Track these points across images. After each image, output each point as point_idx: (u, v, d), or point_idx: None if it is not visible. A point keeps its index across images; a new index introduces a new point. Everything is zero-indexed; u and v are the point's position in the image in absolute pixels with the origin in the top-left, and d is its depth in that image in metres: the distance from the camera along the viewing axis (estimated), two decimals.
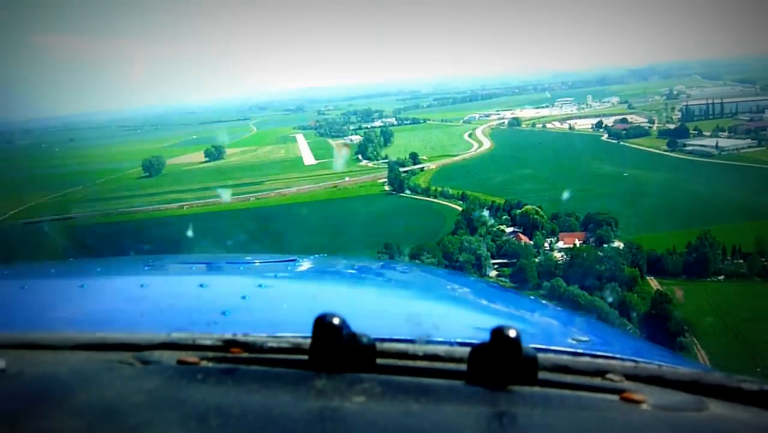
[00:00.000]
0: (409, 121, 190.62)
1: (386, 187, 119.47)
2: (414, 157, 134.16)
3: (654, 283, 68.73)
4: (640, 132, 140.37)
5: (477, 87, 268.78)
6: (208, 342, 1.63)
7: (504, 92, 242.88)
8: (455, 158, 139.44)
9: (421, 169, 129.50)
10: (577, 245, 79.16)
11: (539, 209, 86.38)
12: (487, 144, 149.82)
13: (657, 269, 70.12)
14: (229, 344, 1.61)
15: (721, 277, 68.77)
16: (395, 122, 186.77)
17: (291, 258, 4.22)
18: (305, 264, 4.32)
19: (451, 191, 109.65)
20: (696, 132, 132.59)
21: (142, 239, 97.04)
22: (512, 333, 1.34)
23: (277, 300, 3.03)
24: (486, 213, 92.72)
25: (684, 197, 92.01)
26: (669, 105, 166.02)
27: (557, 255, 76.71)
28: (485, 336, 1.38)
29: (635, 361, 1.74)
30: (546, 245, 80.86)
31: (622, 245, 76.42)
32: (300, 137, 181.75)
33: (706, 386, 1.46)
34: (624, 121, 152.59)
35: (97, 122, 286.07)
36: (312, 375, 1.39)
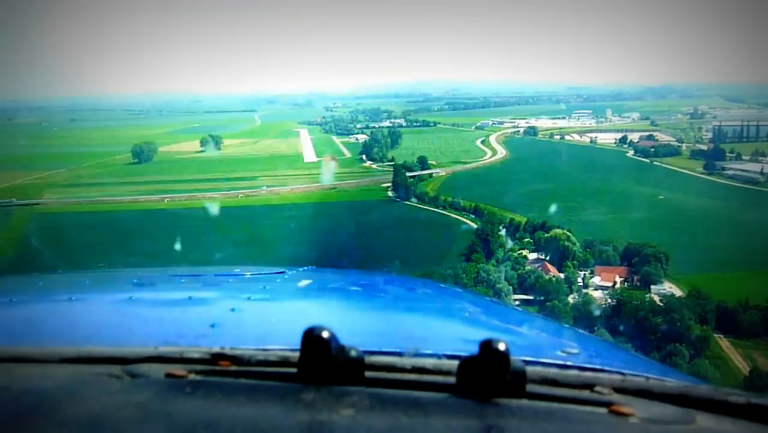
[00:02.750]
0: (418, 124, 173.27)
1: (390, 193, 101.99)
2: (422, 162, 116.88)
3: (725, 344, 50.97)
4: (669, 151, 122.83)
5: (490, 94, 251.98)
6: (196, 355, 1.58)
7: (517, 101, 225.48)
8: (467, 166, 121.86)
9: (430, 176, 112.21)
10: (618, 284, 61.48)
11: (570, 234, 68.45)
12: (501, 152, 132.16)
13: (727, 325, 52.15)
14: (218, 357, 1.56)
15: None
16: (404, 123, 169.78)
17: (280, 270, 4.04)
18: (294, 276, 4.05)
19: (462, 203, 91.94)
20: (733, 155, 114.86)
21: (106, 235, 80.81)
22: (501, 346, 1.32)
23: (265, 313, 2.96)
24: (503, 232, 75.06)
25: (742, 230, 73.94)
26: (695, 124, 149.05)
27: (595, 295, 58.93)
28: (474, 349, 1.35)
29: (623, 373, 1.69)
30: (579, 279, 63.13)
31: (677, 290, 58.69)
32: (304, 133, 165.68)
33: (694, 399, 1.43)
34: (651, 138, 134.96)
35: (105, 105, 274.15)
36: (300, 388, 1.36)
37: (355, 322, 2.79)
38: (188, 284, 3.81)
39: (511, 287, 59.04)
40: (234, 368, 1.51)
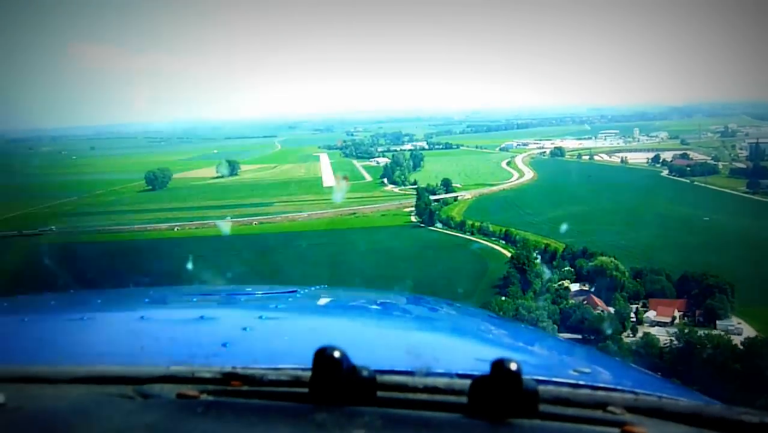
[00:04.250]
0: (441, 146, 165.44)
1: (413, 218, 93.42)
2: (447, 184, 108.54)
3: None
4: (706, 169, 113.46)
5: (511, 116, 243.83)
6: (208, 375, 1.55)
7: (540, 122, 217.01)
8: (494, 188, 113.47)
9: (455, 199, 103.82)
10: (677, 319, 52.42)
11: (618, 263, 59.41)
12: (529, 174, 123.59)
13: None
14: (229, 377, 1.53)
15: None
16: (426, 146, 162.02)
17: (292, 289, 3.92)
18: (306, 295, 3.96)
19: (491, 228, 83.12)
20: None
21: (105, 268, 72.94)
22: (513, 366, 1.30)
23: (277, 332, 2.92)
24: (539, 260, 66.27)
25: None
26: (727, 143, 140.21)
27: (653, 332, 49.82)
28: (486, 368, 1.33)
29: (636, 393, 1.65)
30: (632, 315, 54.05)
31: (748, 327, 49.49)
32: (324, 157, 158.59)
33: (707, 419, 1.39)
34: (685, 156, 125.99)
35: (127, 133, 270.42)
36: (312, 408, 1.33)
37: (366, 341, 2.70)
38: (200, 303, 3.67)
39: (555, 326, 50.02)
40: (246, 387, 1.49)
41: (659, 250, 69.06)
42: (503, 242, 78.77)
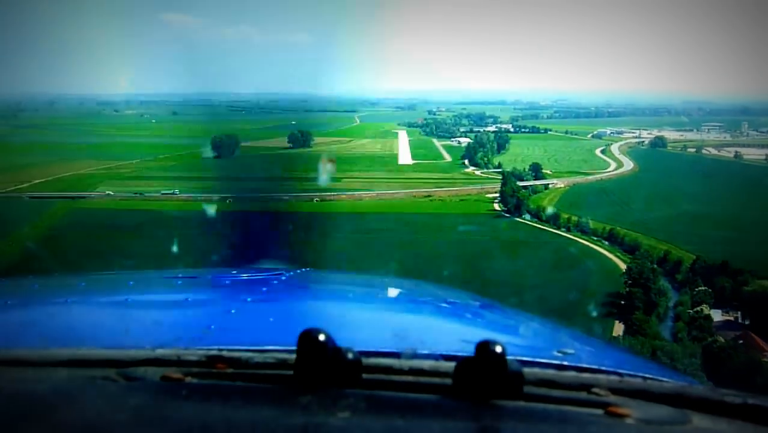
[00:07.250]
0: (527, 129, 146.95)
1: (496, 206, 76.32)
2: (536, 170, 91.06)
3: None
4: None
5: (601, 104, 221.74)
6: (193, 358, 1.50)
7: (633, 112, 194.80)
8: (589, 178, 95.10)
9: (545, 187, 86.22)
10: None
11: None
12: (628, 165, 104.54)
13: None
14: (214, 360, 1.48)
15: None
16: (512, 129, 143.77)
17: (278, 272, 3.77)
18: (292, 278, 3.80)
19: (591, 224, 65.17)
20: None
21: (125, 242, 58.82)
22: (497, 348, 1.26)
23: (263, 315, 2.87)
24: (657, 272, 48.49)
25: None
26: None
27: None
28: (470, 350, 1.30)
29: (620, 374, 1.62)
30: None
31: None
32: (402, 134, 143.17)
33: (691, 400, 1.35)
34: None
35: (212, 101, 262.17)
36: (297, 391, 1.29)
37: (352, 324, 2.64)
38: (185, 286, 3.63)
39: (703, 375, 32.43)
40: (230, 370, 1.44)
41: None
42: (607, 243, 61.15)
